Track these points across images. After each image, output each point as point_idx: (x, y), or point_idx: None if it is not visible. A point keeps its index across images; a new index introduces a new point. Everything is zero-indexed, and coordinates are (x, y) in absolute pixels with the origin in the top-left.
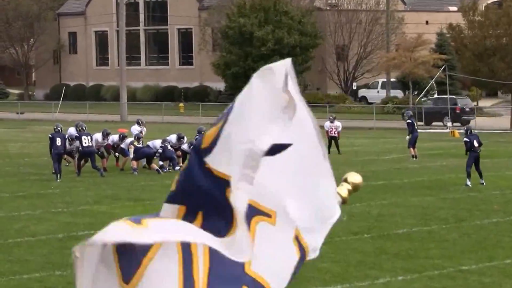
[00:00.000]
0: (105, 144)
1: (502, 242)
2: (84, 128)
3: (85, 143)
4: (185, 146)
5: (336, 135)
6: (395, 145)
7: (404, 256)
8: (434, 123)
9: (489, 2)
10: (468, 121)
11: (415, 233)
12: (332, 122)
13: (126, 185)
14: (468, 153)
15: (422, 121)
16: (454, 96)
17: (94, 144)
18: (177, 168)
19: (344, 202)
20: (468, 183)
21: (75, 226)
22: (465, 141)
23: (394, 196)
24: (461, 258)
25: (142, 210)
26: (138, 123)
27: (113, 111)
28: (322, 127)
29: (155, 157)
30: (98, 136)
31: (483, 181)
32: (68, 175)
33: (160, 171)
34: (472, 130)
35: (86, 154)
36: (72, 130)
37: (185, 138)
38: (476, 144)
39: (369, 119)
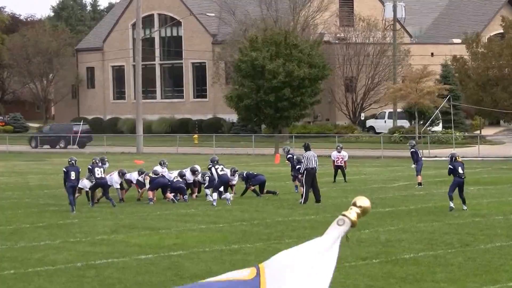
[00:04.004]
0: (120, 181)
1: (506, 266)
2: (97, 161)
3: (98, 174)
4: (199, 177)
5: (343, 164)
6: (401, 173)
7: (411, 280)
8: None
9: (492, 34)
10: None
11: (422, 258)
12: (339, 152)
13: (142, 214)
14: (452, 177)
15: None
16: (72, 123)
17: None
18: (185, 197)
19: (353, 225)
20: (451, 205)
21: (93, 255)
22: (450, 168)
23: (401, 222)
24: (466, 282)
25: (158, 238)
26: (160, 164)
27: (130, 143)
28: (330, 156)
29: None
30: (115, 176)
31: (465, 207)
32: (86, 205)
33: (175, 200)
34: (457, 157)
35: (99, 185)
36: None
37: (199, 170)
38: (460, 170)
39: (377, 148)
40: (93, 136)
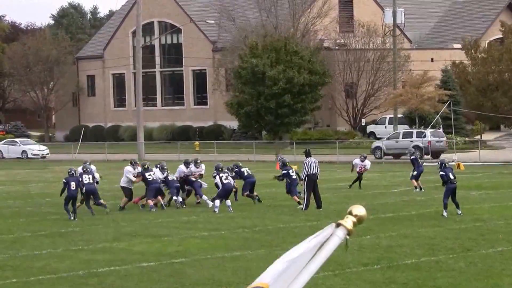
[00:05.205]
0: (135, 174)
1: (508, 270)
2: (88, 169)
3: (86, 180)
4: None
5: (363, 172)
6: (402, 178)
7: (412, 286)
8: None
9: (491, 39)
10: None
11: (423, 263)
12: (362, 161)
13: (144, 222)
14: (445, 185)
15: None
16: None
17: (128, 177)
18: (174, 198)
19: (349, 233)
20: (445, 213)
21: (95, 263)
22: (441, 175)
23: (402, 228)
24: (468, 287)
25: (160, 246)
26: (159, 168)
27: (131, 150)
28: (331, 162)
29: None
30: (128, 168)
31: (460, 211)
32: (87, 213)
33: (164, 207)
34: (447, 164)
35: (89, 192)
36: (79, 170)
37: (189, 161)
38: (452, 176)
39: None
40: (95, 144)
